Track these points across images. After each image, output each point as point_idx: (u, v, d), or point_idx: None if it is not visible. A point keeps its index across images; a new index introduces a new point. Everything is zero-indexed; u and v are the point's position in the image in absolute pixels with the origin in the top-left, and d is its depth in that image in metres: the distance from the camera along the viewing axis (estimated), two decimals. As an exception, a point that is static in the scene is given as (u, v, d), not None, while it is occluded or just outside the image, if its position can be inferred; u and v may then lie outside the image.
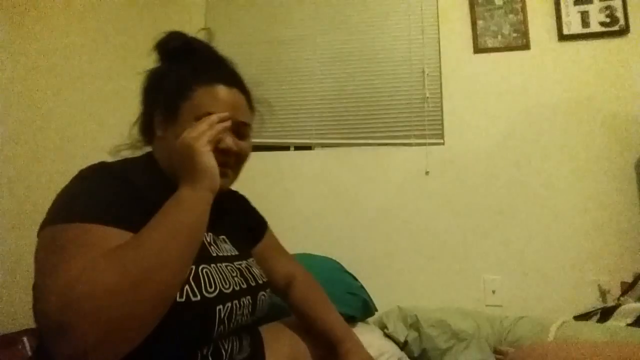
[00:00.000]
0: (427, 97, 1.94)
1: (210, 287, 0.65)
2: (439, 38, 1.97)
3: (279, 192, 1.96)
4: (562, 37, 1.86)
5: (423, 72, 1.96)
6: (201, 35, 0.83)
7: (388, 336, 1.52)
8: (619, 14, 1.80)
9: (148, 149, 0.83)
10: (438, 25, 1.98)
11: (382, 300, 1.64)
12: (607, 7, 1.82)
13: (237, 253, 0.81)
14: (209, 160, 0.67)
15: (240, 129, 0.77)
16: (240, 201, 0.99)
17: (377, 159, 1.94)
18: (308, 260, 1.53)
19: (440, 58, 1.96)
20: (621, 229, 1.70)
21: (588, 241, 1.71)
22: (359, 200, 1.93)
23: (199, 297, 0.62)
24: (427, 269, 1.83)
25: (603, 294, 1.62)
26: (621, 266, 1.63)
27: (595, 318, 1.33)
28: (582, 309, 1.51)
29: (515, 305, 1.70)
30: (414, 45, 1.99)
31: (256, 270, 0.83)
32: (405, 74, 1.98)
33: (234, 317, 0.69)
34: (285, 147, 2.04)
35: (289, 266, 0.97)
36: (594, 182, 1.75)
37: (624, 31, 1.80)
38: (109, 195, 0.62)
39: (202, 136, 0.67)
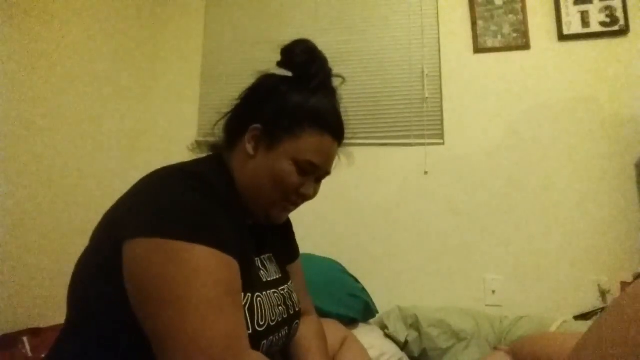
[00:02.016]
0: (427, 98, 1.94)
1: (262, 320, 0.65)
2: (439, 38, 1.97)
3: (279, 192, 1.95)
4: (562, 37, 1.86)
5: (422, 72, 1.96)
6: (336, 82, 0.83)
7: (388, 336, 1.52)
8: (619, 14, 1.80)
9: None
10: (438, 26, 1.98)
11: (382, 300, 1.65)
12: (607, 7, 1.82)
13: (280, 275, 0.80)
14: None
15: (322, 177, 0.79)
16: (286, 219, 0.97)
17: (377, 159, 1.94)
18: (309, 262, 1.53)
19: (440, 58, 1.96)
20: (621, 229, 1.70)
21: (588, 241, 1.71)
22: (360, 201, 1.93)
23: (250, 331, 0.61)
24: (427, 268, 1.83)
25: (603, 294, 1.62)
26: (621, 266, 1.63)
27: (595, 318, 1.33)
28: (582, 309, 1.52)
29: (515, 305, 1.70)
30: (413, 46, 1.99)
31: (295, 297, 0.82)
32: (405, 74, 1.98)
33: (272, 347, 0.69)
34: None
35: (304, 303, 0.92)
36: (594, 182, 1.75)
37: (624, 31, 1.80)
38: (212, 213, 0.57)
39: None
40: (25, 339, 1.31)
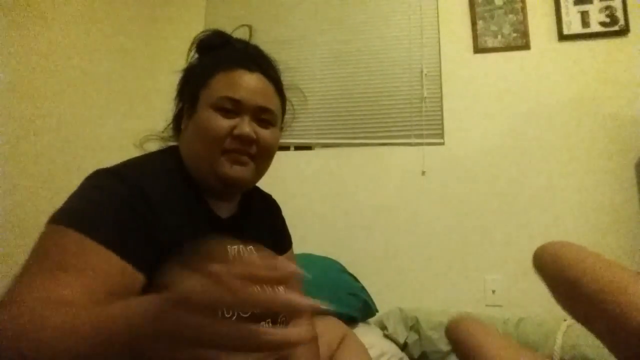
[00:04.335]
0: (425, 97, 1.94)
1: (228, 313, 0.62)
2: (439, 38, 1.97)
3: (279, 192, 1.94)
4: (562, 37, 1.85)
5: (422, 72, 1.96)
6: (241, 31, 0.81)
7: (388, 337, 1.52)
8: (619, 14, 1.80)
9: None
10: (438, 25, 1.98)
11: (382, 300, 1.64)
12: (607, 7, 1.82)
13: None
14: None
15: (261, 116, 0.70)
16: (273, 208, 0.94)
17: (377, 159, 1.94)
18: (308, 261, 1.53)
19: (440, 58, 1.96)
20: (621, 230, 1.70)
21: (588, 241, 1.70)
22: (359, 200, 1.93)
23: None
24: (427, 268, 1.83)
25: (603, 294, 1.62)
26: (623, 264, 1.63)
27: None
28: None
29: (516, 305, 1.70)
30: (413, 45, 1.99)
31: (279, 289, 0.79)
32: (405, 74, 1.98)
33: None
34: (285, 147, 2.04)
35: None
36: (594, 183, 1.75)
37: (624, 31, 1.80)
38: (122, 218, 0.57)
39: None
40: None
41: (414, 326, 1.52)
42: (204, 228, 0.68)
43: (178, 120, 0.76)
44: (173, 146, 0.75)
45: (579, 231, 1.72)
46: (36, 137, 1.53)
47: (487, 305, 1.74)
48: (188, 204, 0.66)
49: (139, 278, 0.55)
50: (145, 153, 0.74)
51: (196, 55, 0.78)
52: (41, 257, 0.51)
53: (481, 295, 1.76)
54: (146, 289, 0.56)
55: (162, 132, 0.80)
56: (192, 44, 0.77)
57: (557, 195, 1.77)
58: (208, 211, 0.71)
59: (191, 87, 0.73)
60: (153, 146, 0.79)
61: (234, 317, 0.61)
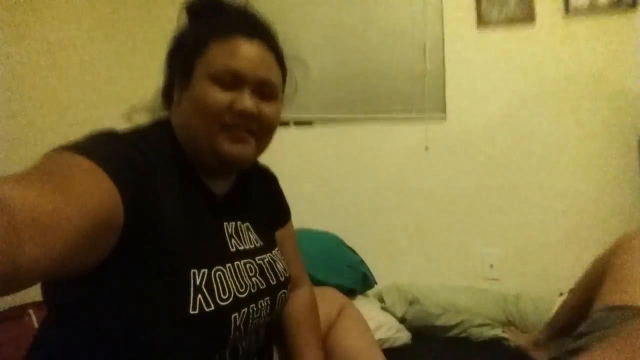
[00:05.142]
0: (428, 72, 1.91)
1: (224, 293, 0.60)
2: (442, 10, 1.92)
3: (279, 168, 1.93)
4: (569, 12, 1.81)
5: (424, 46, 1.92)
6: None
7: (386, 309, 1.55)
8: (628, -13, 1.75)
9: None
10: (441, -2, 1.93)
11: (381, 274, 1.67)
12: (616, -21, 1.77)
13: (261, 244, 0.74)
14: None
15: (263, 89, 0.65)
16: (270, 180, 0.90)
17: (379, 135, 1.93)
18: (308, 235, 1.55)
19: (443, 32, 1.92)
20: (621, 205, 1.71)
21: (588, 216, 1.72)
22: (360, 176, 1.93)
23: (212, 307, 0.57)
24: (426, 243, 1.85)
25: (600, 268, 1.65)
26: (618, 242, 1.65)
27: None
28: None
29: (513, 279, 1.73)
30: (416, 19, 1.95)
31: (279, 266, 0.75)
32: (408, 48, 1.94)
33: (250, 321, 0.64)
34: (284, 123, 2.03)
35: (297, 272, 0.86)
36: (597, 159, 1.75)
37: (632, 5, 1.75)
38: (120, 156, 0.53)
39: None
40: (30, 311, 1.35)
41: (413, 301, 1.55)
42: (199, 205, 0.65)
43: (168, 91, 0.70)
44: (164, 119, 0.70)
45: (579, 206, 1.74)
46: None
47: (485, 279, 1.77)
48: (182, 179, 0.63)
49: (120, 221, 0.48)
50: (135, 125, 0.69)
51: (187, 22, 0.72)
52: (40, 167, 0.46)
53: (479, 270, 1.79)
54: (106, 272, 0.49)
55: (150, 102, 0.74)
56: (182, 8, 0.70)
57: (558, 171, 1.77)
58: (203, 188, 0.68)
59: (184, 55, 0.66)
60: (141, 118, 0.73)
61: (232, 297, 0.61)
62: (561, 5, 1.82)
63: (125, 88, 1.99)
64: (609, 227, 1.69)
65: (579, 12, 1.80)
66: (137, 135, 0.62)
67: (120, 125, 0.66)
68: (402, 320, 1.52)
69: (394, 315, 1.52)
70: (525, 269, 1.74)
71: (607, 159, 1.74)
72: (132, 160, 0.54)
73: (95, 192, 0.44)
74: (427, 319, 1.49)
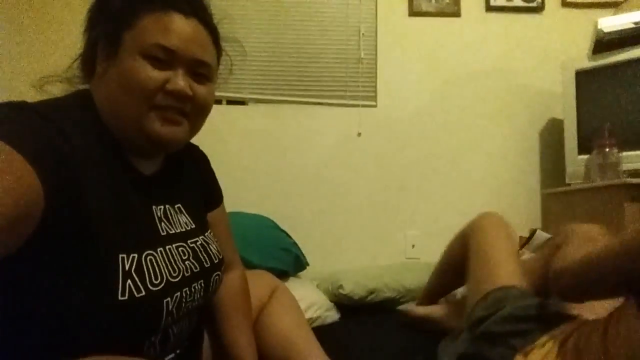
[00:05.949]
0: (362, 58, 1.95)
1: (156, 278, 0.58)
2: (376, -2, 1.97)
3: (210, 146, 1.84)
4: (489, 8, 1.96)
5: (359, 32, 1.95)
6: None
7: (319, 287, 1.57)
8: (538, -9, 1.93)
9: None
10: (376, -15, 1.97)
11: (313, 256, 1.71)
12: (529, -17, 1.94)
13: (193, 226, 0.72)
14: None
15: (197, 70, 0.63)
16: (201, 161, 0.86)
17: (312, 118, 1.94)
18: (241, 218, 1.53)
19: (376, 19, 1.96)
20: (522, 188, 1.94)
21: (493, 198, 1.91)
22: (293, 159, 1.93)
23: (143, 293, 0.56)
24: (356, 226, 1.92)
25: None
26: (520, 222, 1.85)
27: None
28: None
29: (432, 257, 1.86)
30: (351, 4, 1.97)
31: (213, 248, 0.74)
32: (342, 33, 1.96)
33: (183, 305, 0.63)
34: (217, 101, 1.95)
35: (229, 255, 0.85)
36: (503, 147, 1.95)
37: (540, 8, 1.94)
38: (35, 133, 0.48)
39: None
40: None
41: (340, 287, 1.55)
42: (125, 186, 0.61)
43: (89, 59, 0.63)
44: (84, 91, 0.64)
45: (486, 190, 1.94)
46: None
47: (407, 258, 1.89)
48: (106, 158, 0.58)
49: (40, 206, 0.45)
50: (49, 98, 0.61)
51: None
52: None
53: (402, 249, 1.91)
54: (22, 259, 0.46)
55: (66, 71, 0.66)
56: None
57: (472, 157, 1.94)
58: (129, 168, 0.63)
59: (111, 23, 0.60)
60: (55, 90, 0.66)
61: (164, 282, 0.59)
62: (483, 2, 1.97)
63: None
64: (513, 208, 1.90)
65: (498, 9, 1.97)
66: (52, 108, 0.55)
67: (30, 97, 0.58)
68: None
69: (326, 292, 1.55)
70: (441, 247, 1.88)
71: (512, 147, 1.96)
72: (49, 138, 0.49)
73: (12, 180, 0.41)
74: (355, 302, 1.53)
